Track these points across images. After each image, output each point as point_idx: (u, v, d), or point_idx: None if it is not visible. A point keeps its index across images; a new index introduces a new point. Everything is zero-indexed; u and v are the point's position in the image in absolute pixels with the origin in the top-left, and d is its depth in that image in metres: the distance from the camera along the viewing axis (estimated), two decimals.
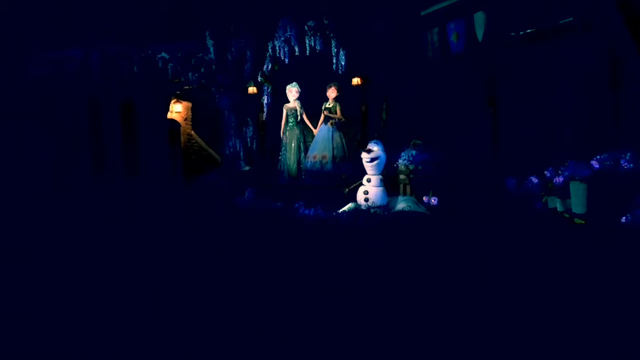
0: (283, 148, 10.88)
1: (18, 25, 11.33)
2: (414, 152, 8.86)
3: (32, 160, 11.68)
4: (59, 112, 11.99)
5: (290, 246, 5.86)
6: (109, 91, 12.50)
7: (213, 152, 15.27)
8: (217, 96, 11.72)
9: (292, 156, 10.78)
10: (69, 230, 7.20)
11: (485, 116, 8.38)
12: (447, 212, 7.15)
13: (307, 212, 7.57)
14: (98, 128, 12.71)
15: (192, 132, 15.24)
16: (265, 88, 11.13)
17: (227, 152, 12.00)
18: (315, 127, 10.80)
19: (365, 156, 8.40)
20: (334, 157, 10.27)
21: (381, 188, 8.40)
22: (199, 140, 15.23)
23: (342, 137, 10.52)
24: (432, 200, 7.71)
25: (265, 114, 11.26)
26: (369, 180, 8.42)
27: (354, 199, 8.64)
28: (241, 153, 11.85)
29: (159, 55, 11.53)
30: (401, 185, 8.84)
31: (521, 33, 7.78)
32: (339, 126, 10.45)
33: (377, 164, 8.41)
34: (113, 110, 12.79)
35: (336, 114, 10.48)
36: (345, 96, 10.67)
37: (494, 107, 8.21)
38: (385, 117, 10.83)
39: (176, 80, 12.64)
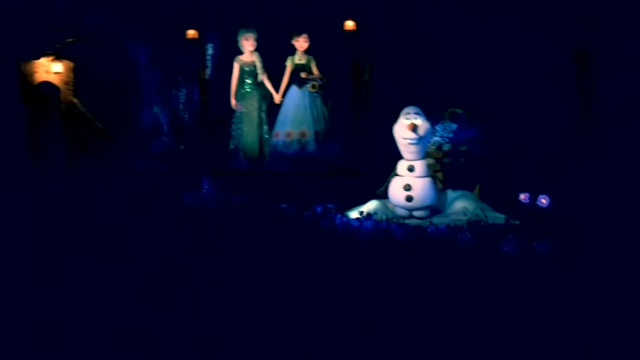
0: (237, 120, 7.75)
1: None
2: (454, 125, 6.15)
3: None
4: None
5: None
6: None
7: (100, 126, 12.02)
8: (130, 44, 8.18)
9: (251, 131, 7.68)
10: None
11: (564, 78, 5.86)
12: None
13: (354, 223, 4.56)
14: None
15: (75, 100, 11.82)
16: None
17: (144, 124, 8.52)
18: (277, 92, 7.77)
19: (410, 137, 5.30)
20: (316, 134, 7.38)
21: (429, 179, 5.52)
22: (83, 110, 11.86)
23: (323, 105, 7.64)
24: (542, 201, 4.80)
25: (209, 70, 7.97)
26: (410, 169, 5.48)
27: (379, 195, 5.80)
28: (165, 127, 8.46)
29: None
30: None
31: None
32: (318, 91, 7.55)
33: (424, 142, 5.52)
34: None
35: (312, 73, 7.58)
36: (319, 48, 7.78)
37: (582, 64, 5.69)
38: (368, 78, 8.08)
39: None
